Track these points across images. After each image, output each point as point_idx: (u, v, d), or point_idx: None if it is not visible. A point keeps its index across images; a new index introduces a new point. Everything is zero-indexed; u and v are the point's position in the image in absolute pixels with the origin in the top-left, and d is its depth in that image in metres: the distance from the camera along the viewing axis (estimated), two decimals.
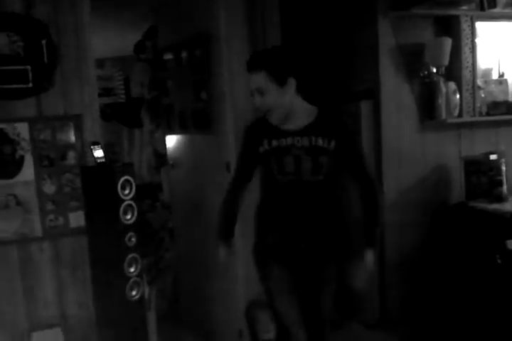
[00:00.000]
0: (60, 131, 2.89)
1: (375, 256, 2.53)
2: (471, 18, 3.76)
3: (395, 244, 3.74)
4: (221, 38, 3.40)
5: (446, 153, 3.88)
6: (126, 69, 5.59)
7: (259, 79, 2.35)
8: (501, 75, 4.04)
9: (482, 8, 3.75)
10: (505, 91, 3.98)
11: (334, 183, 2.50)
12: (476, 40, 3.80)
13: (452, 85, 3.73)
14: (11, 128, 2.79)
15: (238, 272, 3.43)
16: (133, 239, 2.80)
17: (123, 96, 5.72)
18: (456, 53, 3.72)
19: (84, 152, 2.91)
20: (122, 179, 2.75)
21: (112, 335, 2.83)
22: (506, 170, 3.80)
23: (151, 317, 3.34)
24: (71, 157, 2.92)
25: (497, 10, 3.78)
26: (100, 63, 5.39)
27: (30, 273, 2.87)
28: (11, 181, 2.81)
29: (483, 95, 3.90)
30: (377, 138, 3.72)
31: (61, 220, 2.91)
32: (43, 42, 2.80)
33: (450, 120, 3.75)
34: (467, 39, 3.76)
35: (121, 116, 5.41)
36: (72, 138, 2.92)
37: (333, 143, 2.41)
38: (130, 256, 2.79)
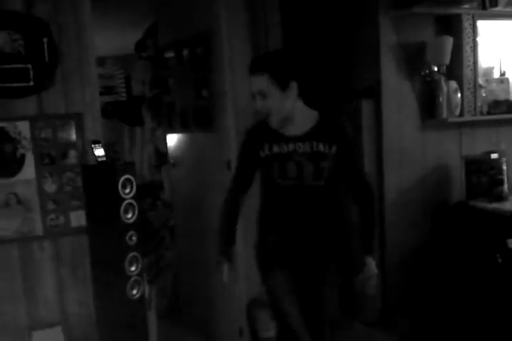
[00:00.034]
0: (61, 130, 2.89)
1: (376, 260, 2.57)
2: (473, 17, 3.76)
3: (395, 243, 3.74)
4: (222, 36, 3.40)
5: (446, 152, 3.88)
6: (127, 67, 5.59)
7: (262, 82, 2.33)
8: (503, 74, 4.04)
9: (484, 7, 3.75)
10: (507, 90, 3.98)
11: (335, 187, 2.51)
12: (478, 39, 3.80)
13: (453, 84, 3.73)
14: (12, 127, 2.79)
15: (238, 271, 3.43)
16: (133, 238, 2.79)
17: (124, 94, 5.72)
18: (458, 52, 3.72)
19: (85, 151, 2.91)
20: (123, 178, 2.74)
21: (112, 334, 2.83)
22: (507, 169, 3.80)
23: (152, 316, 3.34)
24: (72, 156, 2.91)
25: (498, 8, 3.77)
26: (101, 61, 5.40)
27: (31, 272, 2.86)
28: (11, 180, 2.80)
29: (484, 94, 3.90)
30: (378, 136, 3.72)
31: (62, 219, 2.91)
32: (44, 40, 2.80)
33: (451, 119, 3.75)
34: (468, 38, 3.76)
35: (122, 114, 5.41)
36: (73, 136, 2.91)
37: (334, 149, 2.42)
38: (131, 254, 2.78)
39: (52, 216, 2.89)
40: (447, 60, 3.66)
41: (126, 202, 2.75)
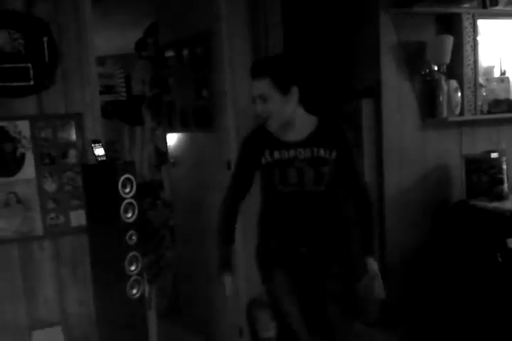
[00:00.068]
0: (61, 129, 2.89)
1: (377, 261, 2.56)
2: (473, 16, 3.75)
3: (395, 243, 3.73)
4: (222, 36, 3.40)
5: (447, 151, 3.88)
6: (127, 66, 5.58)
7: (263, 85, 2.32)
8: (503, 73, 4.03)
9: (484, 6, 3.75)
10: (507, 90, 3.97)
11: (335, 192, 2.51)
12: (478, 38, 3.79)
13: (454, 83, 3.73)
14: (12, 126, 2.79)
15: (238, 271, 3.42)
16: (133, 238, 2.80)
17: (124, 93, 5.71)
18: (458, 51, 3.71)
19: (85, 150, 2.91)
20: (123, 177, 2.75)
21: (112, 334, 2.84)
22: (507, 168, 3.79)
23: (152, 316, 3.34)
24: (72, 155, 2.91)
25: (499, 7, 3.77)
26: (101, 61, 5.39)
27: (31, 271, 2.87)
28: (11, 179, 2.80)
29: (484, 93, 3.89)
30: (378, 136, 3.72)
31: (62, 219, 2.91)
32: (44, 40, 2.80)
33: (451, 118, 3.74)
34: (469, 37, 3.75)
35: (122, 113, 5.41)
36: (73, 136, 2.92)
37: (334, 154, 2.42)
38: (131, 254, 2.79)
39: (52, 215, 2.89)
40: (447, 59, 3.65)
41: (126, 201, 2.76)
